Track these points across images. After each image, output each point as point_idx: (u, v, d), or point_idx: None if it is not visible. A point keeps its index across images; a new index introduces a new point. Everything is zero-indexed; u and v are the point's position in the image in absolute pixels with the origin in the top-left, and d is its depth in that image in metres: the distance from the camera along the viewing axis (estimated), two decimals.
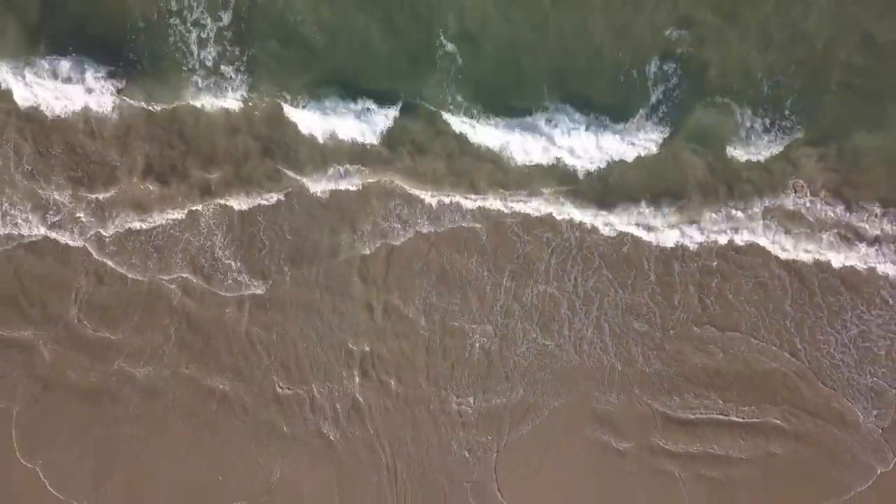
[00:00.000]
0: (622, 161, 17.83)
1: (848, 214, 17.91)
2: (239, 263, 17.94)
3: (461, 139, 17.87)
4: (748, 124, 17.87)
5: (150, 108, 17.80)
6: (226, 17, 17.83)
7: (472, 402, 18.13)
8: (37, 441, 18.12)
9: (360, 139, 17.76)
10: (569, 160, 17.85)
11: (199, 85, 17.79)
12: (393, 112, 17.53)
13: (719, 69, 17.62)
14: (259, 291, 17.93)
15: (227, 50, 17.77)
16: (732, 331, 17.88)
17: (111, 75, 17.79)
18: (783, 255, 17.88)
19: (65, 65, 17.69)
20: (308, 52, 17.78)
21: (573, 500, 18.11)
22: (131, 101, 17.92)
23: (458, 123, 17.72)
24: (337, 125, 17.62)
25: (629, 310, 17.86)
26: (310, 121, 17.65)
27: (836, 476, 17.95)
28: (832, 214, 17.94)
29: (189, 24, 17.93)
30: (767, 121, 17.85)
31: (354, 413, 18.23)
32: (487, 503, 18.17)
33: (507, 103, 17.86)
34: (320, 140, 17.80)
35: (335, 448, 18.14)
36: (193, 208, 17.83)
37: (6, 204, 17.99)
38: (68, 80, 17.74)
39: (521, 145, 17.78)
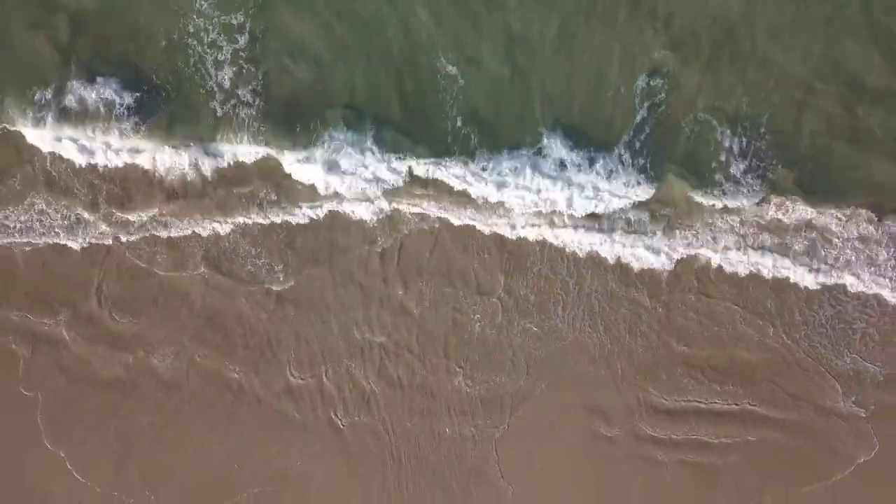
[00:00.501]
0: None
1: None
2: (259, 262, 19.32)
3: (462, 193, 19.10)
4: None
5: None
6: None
7: (472, 387, 19.27)
8: (62, 428, 19.01)
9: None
10: (564, 209, 19.04)
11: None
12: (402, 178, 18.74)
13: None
14: (276, 288, 19.05)
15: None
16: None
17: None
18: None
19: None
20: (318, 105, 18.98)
21: (569, 484, 19.20)
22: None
23: (457, 182, 18.85)
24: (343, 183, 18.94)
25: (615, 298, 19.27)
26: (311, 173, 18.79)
27: (819, 461, 19.07)
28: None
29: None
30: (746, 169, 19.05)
31: (362, 401, 19.26)
32: (486, 486, 19.24)
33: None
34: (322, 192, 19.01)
35: (344, 435, 19.15)
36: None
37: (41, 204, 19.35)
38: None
39: (519, 199, 18.86)
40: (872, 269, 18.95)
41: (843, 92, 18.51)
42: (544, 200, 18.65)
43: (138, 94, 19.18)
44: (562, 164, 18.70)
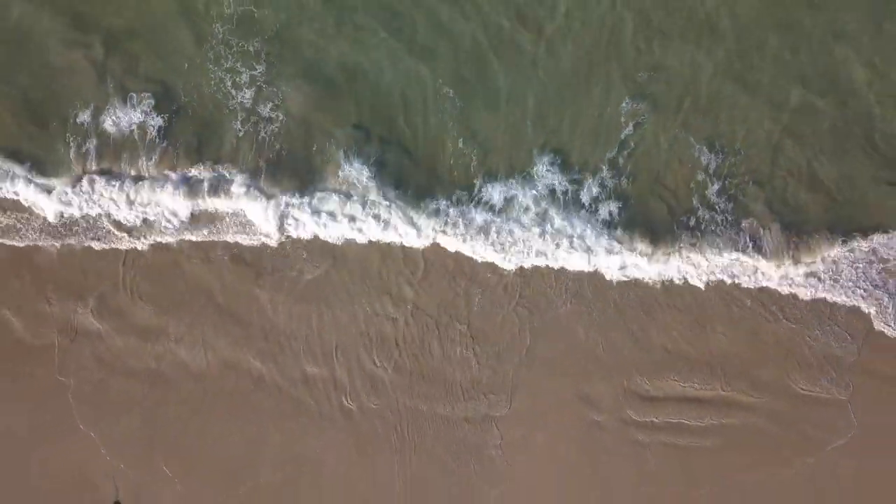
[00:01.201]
0: None
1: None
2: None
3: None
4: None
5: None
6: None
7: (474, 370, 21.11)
8: (96, 411, 20.83)
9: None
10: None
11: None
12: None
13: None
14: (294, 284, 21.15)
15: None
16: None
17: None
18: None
19: None
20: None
21: (562, 463, 20.83)
22: None
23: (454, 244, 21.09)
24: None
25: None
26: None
27: (795, 443, 20.55)
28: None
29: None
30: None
31: (372, 389, 21.03)
32: (486, 464, 20.89)
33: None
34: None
35: (354, 420, 20.88)
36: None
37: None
38: None
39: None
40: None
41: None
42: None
43: (166, 117, 21.41)
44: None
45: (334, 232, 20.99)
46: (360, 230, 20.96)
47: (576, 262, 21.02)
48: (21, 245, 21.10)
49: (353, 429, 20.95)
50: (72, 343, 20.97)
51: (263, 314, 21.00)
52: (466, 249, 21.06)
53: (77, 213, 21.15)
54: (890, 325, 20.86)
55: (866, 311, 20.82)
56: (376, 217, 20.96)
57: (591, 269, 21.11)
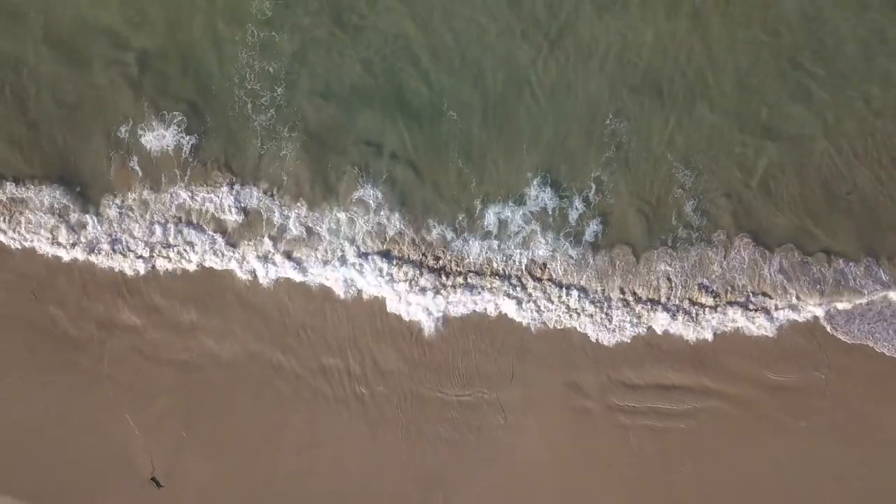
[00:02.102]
0: None
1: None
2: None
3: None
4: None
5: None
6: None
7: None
8: (135, 397, 22.69)
9: None
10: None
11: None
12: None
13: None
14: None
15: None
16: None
17: None
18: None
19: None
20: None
21: (554, 443, 22.56)
22: None
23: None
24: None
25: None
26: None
27: (764, 428, 22.41)
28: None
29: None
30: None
31: (380, 377, 22.97)
32: (485, 444, 22.58)
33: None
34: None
35: (366, 404, 22.78)
36: None
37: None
38: None
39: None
40: None
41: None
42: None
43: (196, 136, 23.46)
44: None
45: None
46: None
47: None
48: (68, 255, 23.33)
49: (364, 411, 22.88)
50: (112, 336, 22.97)
51: (284, 310, 23.24)
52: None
53: (118, 233, 23.40)
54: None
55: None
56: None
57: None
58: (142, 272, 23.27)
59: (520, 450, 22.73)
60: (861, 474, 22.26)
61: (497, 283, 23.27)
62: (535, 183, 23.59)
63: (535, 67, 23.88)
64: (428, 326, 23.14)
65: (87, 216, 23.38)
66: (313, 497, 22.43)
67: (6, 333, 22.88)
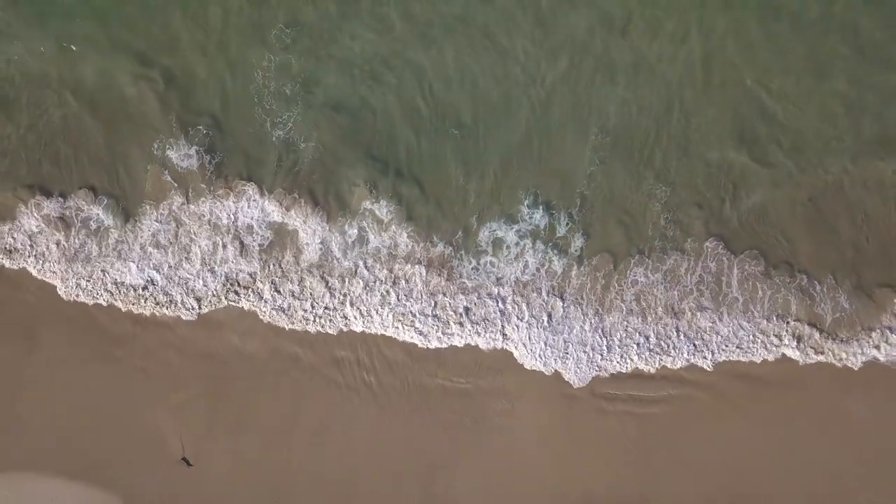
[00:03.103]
0: None
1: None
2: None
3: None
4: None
5: None
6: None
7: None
8: (167, 385, 24.22)
9: None
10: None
11: None
12: None
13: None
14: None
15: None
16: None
17: None
18: None
19: None
20: None
21: (544, 426, 24.17)
22: None
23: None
24: None
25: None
26: None
27: (730, 413, 24.20)
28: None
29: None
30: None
31: (388, 368, 24.67)
32: (482, 426, 24.18)
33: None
34: None
35: (374, 392, 24.41)
36: None
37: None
38: None
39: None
40: None
41: None
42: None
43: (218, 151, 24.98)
44: None
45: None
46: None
47: None
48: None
49: (373, 397, 24.36)
50: (146, 331, 24.56)
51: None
52: None
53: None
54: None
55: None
56: None
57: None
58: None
59: (513, 432, 24.20)
60: (820, 450, 24.21)
61: (491, 302, 25.03)
62: (526, 202, 25.15)
63: (531, 89, 25.55)
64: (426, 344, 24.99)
65: (126, 226, 25.06)
66: (325, 475, 23.87)
67: (53, 329, 24.63)
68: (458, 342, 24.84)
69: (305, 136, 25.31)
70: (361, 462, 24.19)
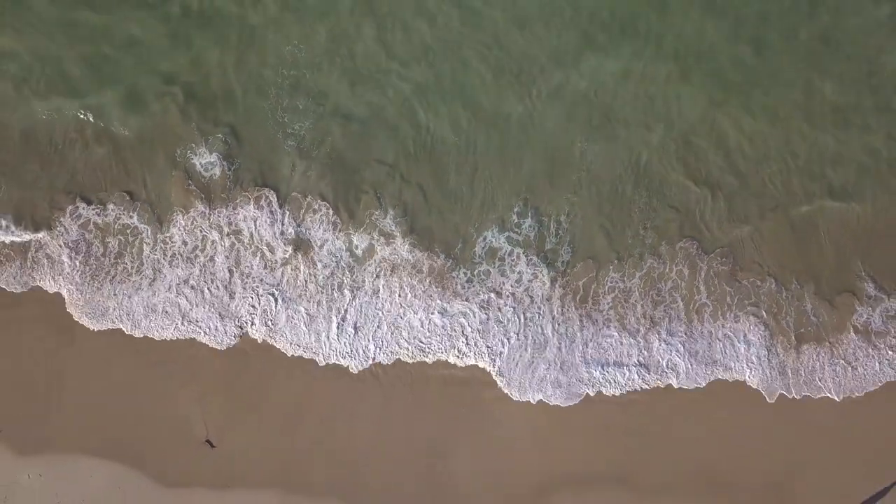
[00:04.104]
0: None
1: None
2: None
3: None
4: None
5: None
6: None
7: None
8: (189, 374, 26.18)
9: None
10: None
11: None
12: None
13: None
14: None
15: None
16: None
17: None
18: None
19: None
20: None
21: (535, 414, 26.26)
22: None
23: None
24: None
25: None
26: None
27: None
28: None
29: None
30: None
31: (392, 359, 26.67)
32: (478, 412, 26.16)
33: None
34: None
35: (381, 381, 26.27)
36: None
37: None
38: None
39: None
40: None
41: None
42: None
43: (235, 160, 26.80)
44: None
45: None
46: None
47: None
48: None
49: (378, 386, 26.24)
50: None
51: None
52: None
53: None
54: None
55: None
56: None
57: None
58: None
59: (506, 417, 26.04)
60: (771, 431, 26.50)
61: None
62: (516, 210, 27.08)
63: (525, 104, 27.64)
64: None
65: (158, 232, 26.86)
66: (334, 457, 25.59)
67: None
68: (453, 361, 26.58)
69: (317, 143, 27.25)
70: (366, 446, 25.99)
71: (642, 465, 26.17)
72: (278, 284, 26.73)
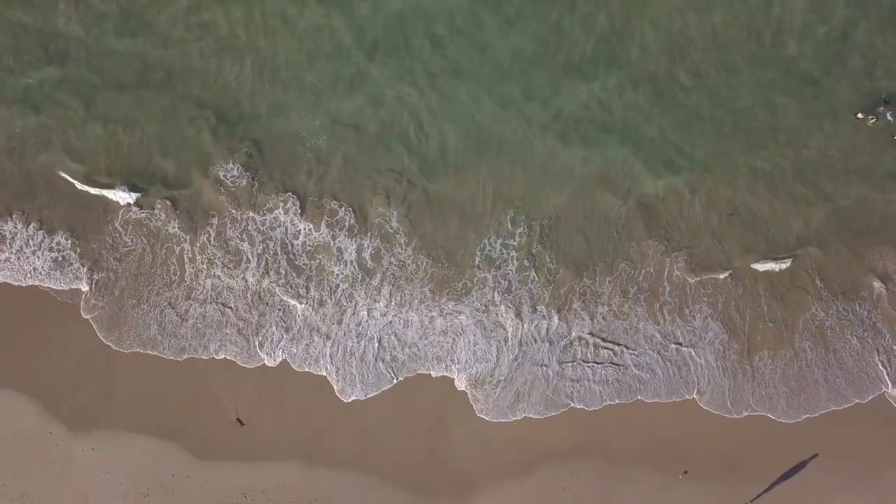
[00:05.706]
0: None
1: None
2: None
3: None
4: None
5: None
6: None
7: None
8: (224, 364, 29.19)
9: None
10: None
11: None
12: None
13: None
14: None
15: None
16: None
17: None
18: None
19: None
20: None
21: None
22: None
23: None
24: None
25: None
26: None
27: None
28: None
29: None
30: None
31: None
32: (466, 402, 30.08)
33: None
34: None
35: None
36: None
37: None
38: None
39: None
40: None
41: None
42: None
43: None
44: None
45: None
46: None
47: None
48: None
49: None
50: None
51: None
52: None
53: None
54: None
55: None
56: None
57: None
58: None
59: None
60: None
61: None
62: (509, 218, 29.59)
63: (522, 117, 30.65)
64: None
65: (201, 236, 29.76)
66: (351, 430, 28.74)
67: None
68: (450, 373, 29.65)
69: (332, 152, 30.08)
70: (377, 420, 29.07)
71: (617, 440, 29.29)
72: (301, 291, 29.96)
